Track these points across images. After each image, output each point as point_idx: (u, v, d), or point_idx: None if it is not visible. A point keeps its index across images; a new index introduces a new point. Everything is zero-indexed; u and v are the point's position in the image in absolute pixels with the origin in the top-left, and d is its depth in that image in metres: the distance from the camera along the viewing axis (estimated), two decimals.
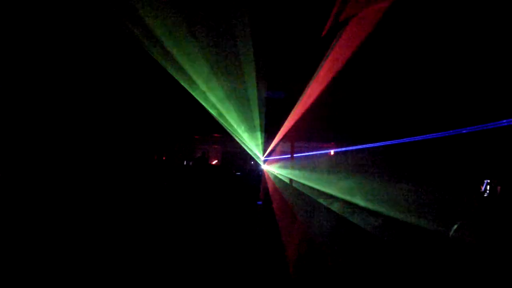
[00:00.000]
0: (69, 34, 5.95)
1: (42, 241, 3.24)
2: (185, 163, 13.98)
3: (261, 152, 13.70)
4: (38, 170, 7.07)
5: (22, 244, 3.10)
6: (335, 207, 6.08)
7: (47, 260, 2.77)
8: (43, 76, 7.42)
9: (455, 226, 4.49)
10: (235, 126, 11.00)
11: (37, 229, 3.66)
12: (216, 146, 16.11)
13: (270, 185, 10.53)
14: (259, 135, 12.56)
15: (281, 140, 12.51)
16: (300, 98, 8.60)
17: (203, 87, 8.25)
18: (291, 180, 10.49)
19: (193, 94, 8.38)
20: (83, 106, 9.10)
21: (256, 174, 13.56)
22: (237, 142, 13.14)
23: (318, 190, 7.75)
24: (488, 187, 4.87)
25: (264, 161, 14.25)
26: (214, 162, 15.62)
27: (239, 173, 13.65)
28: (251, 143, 12.99)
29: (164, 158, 13.23)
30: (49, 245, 3.15)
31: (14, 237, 3.29)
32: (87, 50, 6.85)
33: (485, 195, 4.88)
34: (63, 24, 5.54)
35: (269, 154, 14.19)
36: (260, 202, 7.27)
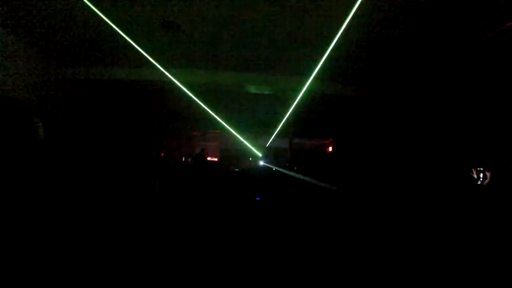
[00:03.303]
0: (67, 32, 5.95)
1: (40, 240, 3.25)
2: (183, 159, 14.01)
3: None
4: (36, 168, 7.07)
5: (21, 244, 3.11)
6: None
7: (47, 260, 2.78)
8: (42, 75, 7.41)
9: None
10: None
11: (35, 228, 3.67)
12: (214, 143, 16.16)
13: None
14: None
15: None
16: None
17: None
18: None
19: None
20: (82, 104, 9.11)
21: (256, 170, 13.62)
22: (236, 139, 13.16)
23: None
24: (481, 175, 4.96)
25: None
26: (213, 159, 15.67)
27: (237, 169, 13.71)
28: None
29: (162, 154, 13.25)
30: (47, 244, 3.16)
31: (14, 236, 3.30)
32: (85, 49, 6.84)
33: (478, 183, 4.98)
34: (60, 22, 5.54)
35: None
36: (259, 198, 7.29)
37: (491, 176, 4.83)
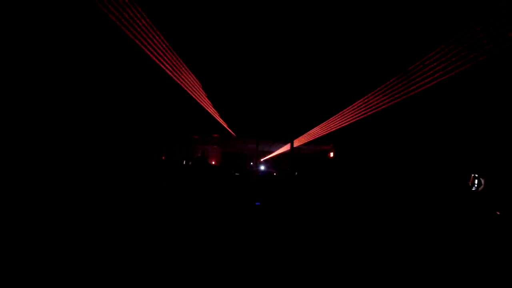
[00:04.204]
0: (69, 33, 5.96)
1: (42, 241, 3.22)
2: (184, 162, 13.98)
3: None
4: (39, 170, 7.06)
5: (22, 244, 3.09)
6: None
7: (47, 260, 2.75)
8: (43, 76, 7.43)
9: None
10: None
11: (37, 229, 3.65)
12: (215, 147, 16.12)
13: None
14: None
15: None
16: None
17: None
18: None
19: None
20: (83, 106, 9.10)
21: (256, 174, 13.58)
22: (237, 143, 13.14)
23: None
24: (476, 181, 4.96)
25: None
26: (213, 162, 15.64)
27: (238, 174, 13.66)
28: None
29: (163, 157, 13.23)
30: (49, 245, 3.13)
31: (14, 237, 3.27)
32: (87, 50, 6.85)
33: (472, 189, 4.98)
34: (63, 23, 5.55)
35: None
36: (258, 203, 7.23)
37: (485, 183, 4.83)
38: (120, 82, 8.39)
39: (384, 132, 8.42)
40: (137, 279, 2.48)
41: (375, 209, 6.30)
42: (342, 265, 3.10)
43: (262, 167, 14.94)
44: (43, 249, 2.96)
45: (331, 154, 16.31)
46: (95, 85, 8.51)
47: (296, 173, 15.66)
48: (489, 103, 5.01)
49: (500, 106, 4.79)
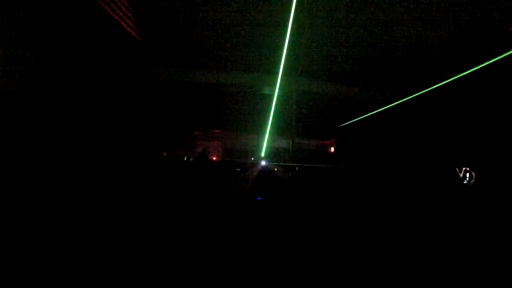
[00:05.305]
0: (69, 32, 5.99)
1: (41, 240, 3.26)
2: (185, 159, 14.06)
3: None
4: (38, 167, 7.10)
5: (21, 244, 3.12)
6: None
7: (47, 259, 2.79)
8: (43, 75, 7.46)
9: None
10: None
11: (36, 227, 3.68)
12: (216, 142, 16.19)
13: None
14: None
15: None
16: None
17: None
18: None
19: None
20: (83, 103, 9.15)
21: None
22: (238, 139, 13.19)
23: None
24: (467, 174, 5.00)
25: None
26: (214, 158, 15.72)
27: (239, 169, 13.74)
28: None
29: (164, 154, 13.30)
30: (48, 244, 3.17)
31: (13, 236, 3.31)
32: (87, 48, 6.88)
33: (464, 182, 5.02)
34: (63, 22, 5.59)
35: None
36: (260, 198, 7.30)
37: (476, 176, 4.87)
38: (120, 79, 8.42)
39: (381, 129, 8.48)
40: (136, 277, 2.49)
41: (374, 202, 6.37)
42: (343, 262, 3.13)
43: (263, 162, 15.02)
44: (41, 246, 2.99)
45: (332, 149, 16.39)
46: (92, 80, 8.52)
47: (297, 168, 15.74)
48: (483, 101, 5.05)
49: (495, 103, 4.82)
